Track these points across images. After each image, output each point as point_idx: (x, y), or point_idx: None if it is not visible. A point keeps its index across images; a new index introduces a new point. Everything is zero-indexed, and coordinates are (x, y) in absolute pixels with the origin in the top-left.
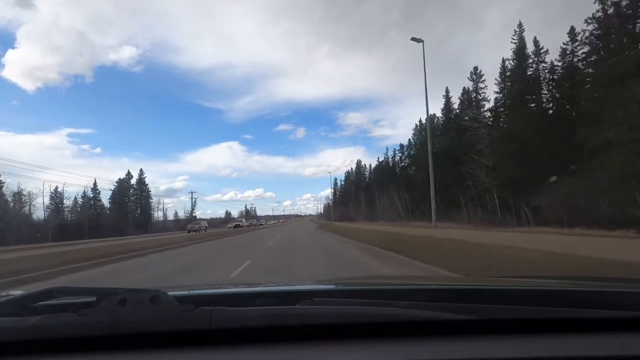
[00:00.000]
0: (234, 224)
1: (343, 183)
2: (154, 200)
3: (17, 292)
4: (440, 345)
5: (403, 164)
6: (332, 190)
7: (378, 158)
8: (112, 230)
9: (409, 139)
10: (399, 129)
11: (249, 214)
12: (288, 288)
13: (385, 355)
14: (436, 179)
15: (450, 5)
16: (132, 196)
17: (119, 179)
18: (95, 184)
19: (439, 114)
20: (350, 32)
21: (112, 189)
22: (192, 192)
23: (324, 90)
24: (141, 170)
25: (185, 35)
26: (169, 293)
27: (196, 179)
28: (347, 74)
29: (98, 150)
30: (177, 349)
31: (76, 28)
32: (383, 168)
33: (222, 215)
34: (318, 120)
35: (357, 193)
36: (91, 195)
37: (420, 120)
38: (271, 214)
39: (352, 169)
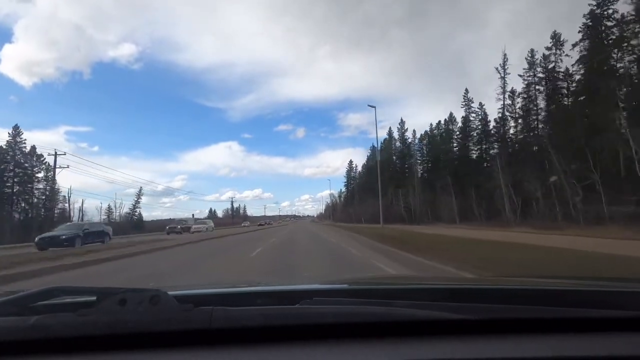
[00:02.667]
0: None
1: (359, 173)
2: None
3: (17, 291)
4: (440, 345)
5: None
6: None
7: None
8: None
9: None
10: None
11: (237, 214)
12: (288, 288)
13: (385, 355)
14: None
15: (453, 4)
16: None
17: None
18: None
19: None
20: (352, 31)
21: None
22: (67, 160)
23: (325, 90)
24: (16, 127)
25: (186, 33)
26: (169, 293)
27: (195, 179)
28: (348, 74)
29: (96, 148)
30: (177, 348)
31: (74, 22)
32: (436, 139)
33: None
34: (318, 121)
35: (388, 180)
36: None
37: None
38: (264, 214)
39: (375, 146)
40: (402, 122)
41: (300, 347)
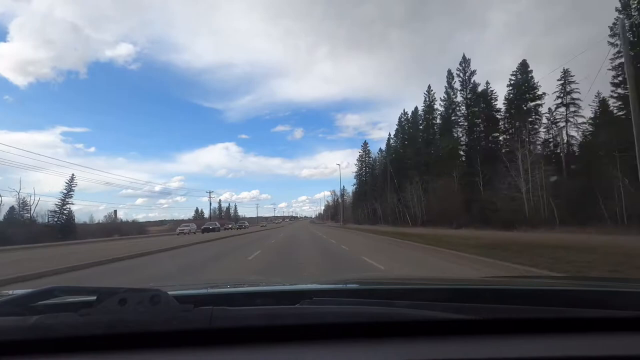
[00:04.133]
0: None
1: (375, 157)
2: None
3: (18, 291)
4: (440, 345)
5: None
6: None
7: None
8: None
9: None
10: None
11: (226, 215)
12: (288, 288)
13: (385, 355)
14: None
15: (453, 5)
16: None
17: None
18: None
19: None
20: (350, 32)
21: None
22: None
23: (323, 91)
24: None
25: (184, 33)
26: (169, 292)
27: (192, 180)
28: (347, 75)
29: (92, 149)
30: (177, 348)
31: (71, 21)
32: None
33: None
34: (316, 122)
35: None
36: None
37: None
38: (257, 215)
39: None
40: (465, 61)
41: (300, 347)
